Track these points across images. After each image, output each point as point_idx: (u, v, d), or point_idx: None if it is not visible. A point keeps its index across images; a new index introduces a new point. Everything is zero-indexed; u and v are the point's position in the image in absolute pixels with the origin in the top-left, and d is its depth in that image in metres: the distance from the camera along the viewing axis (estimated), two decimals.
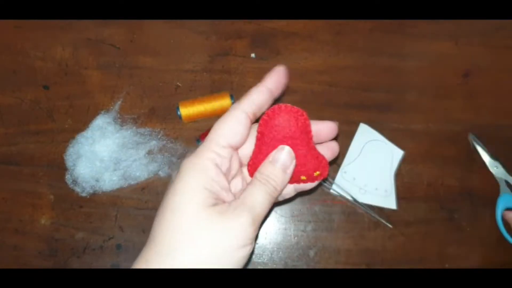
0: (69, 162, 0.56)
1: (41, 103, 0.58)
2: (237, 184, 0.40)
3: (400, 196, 0.57)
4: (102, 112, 0.57)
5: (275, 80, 0.37)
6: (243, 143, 0.38)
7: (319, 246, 0.56)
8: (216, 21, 0.59)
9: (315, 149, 0.38)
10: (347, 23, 0.59)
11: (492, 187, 0.57)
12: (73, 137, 0.56)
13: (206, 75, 0.59)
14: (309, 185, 0.40)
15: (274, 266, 0.56)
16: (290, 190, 0.41)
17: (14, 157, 0.57)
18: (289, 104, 0.37)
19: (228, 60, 0.59)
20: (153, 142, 0.57)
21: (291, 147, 0.37)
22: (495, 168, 0.57)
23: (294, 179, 0.39)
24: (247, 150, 0.39)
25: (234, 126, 0.36)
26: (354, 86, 0.59)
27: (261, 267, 0.56)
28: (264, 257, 0.56)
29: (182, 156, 0.57)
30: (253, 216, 0.35)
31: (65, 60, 0.59)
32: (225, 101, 0.57)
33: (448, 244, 0.56)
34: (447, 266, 0.56)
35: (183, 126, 0.58)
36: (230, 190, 0.38)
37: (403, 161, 0.57)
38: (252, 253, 0.56)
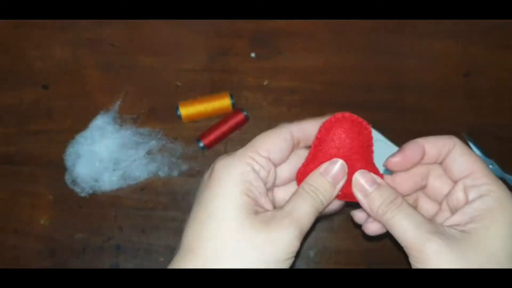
0: (68, 162, 0.56)
1: (40, 103, 0.58)
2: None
3: None
4: (102, 112, 0.57)
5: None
6: (282, 161, 0.37)
7: (319, 246, 0.56)
8: (216, 21, 0.59)
9: (374, 167, 0.36)
10: (347, 22, 0.59)
11: None
12: (73, 137, 0.56)
13: (206, 75, 0.59)
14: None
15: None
16: (336, 206, 0.38)
17: (14, 157, 0.57)
18: (354, 115, 0.35)
19: (228, 60, 0.59)
20: (153, 142, 0.57)
21: (348, 161, 0.35)
22: (490, 166, 0.57)
23: (343, 195, 0.37)
24: (284, 173, 0.38)
25: (277, 141, 0.35)
26: (354, 86, 0.59)
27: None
28: None
29: (181, 157, 0.57)
30: (300, 229, 0.33)
31: (64, 60, 0.59)
32: (225, 101, 0.56)
33: None
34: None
35: (182, 126, 0.58)
36: (268, 197, 0.36)
37: None
38: None
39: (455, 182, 0.36)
